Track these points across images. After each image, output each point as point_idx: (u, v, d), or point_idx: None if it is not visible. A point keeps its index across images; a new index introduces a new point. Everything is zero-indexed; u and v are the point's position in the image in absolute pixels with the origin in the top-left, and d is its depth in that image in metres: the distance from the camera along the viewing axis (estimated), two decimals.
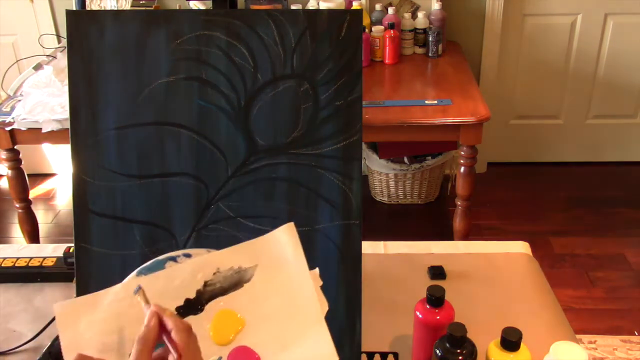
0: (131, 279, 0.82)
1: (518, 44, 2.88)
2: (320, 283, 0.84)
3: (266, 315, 0.81)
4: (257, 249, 0.83)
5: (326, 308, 0.83)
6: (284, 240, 0.83)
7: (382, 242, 1.27)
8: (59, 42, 2.74)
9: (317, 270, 0.85)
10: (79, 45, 0.90)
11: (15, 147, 2.20)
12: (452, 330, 0.81)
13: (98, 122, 0.90)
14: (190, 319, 0.79)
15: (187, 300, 0.80)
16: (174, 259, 0.84)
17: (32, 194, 2.73)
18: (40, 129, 2.07)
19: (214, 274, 0.81)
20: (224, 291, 0.81)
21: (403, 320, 1.02)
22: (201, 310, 0.80)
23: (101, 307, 0.78)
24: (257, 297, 0.81)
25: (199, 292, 0.80)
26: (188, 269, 0.81)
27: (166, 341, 0.69)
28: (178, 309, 0.80)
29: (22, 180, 2.30)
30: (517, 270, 1.19)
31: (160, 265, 0.83)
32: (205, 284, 0.80)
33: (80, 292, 0.90)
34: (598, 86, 2.97)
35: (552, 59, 2.91)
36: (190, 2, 2.54)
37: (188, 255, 0.85)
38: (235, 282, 0.81)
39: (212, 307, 0.80)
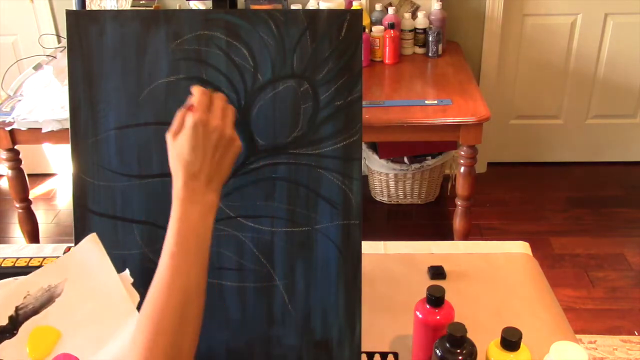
0: None
1: (518, 44, 2.88)
2: (131, 280, 0.88)
3: (80, 321, 0.84)
4: (64, 265, 0.87)
5: (137, 299, 0.86)
6: (88, 250, 0.87)
7: (382, 242, 1.26)
8: (59, 42, 2.74)
9: (127, 271, 0.88)
10: (79, 45, 0.90)
11: (15, 147, 2.20)
12: (452, 330, 0.81)
13: (98, 122, 0.90)
14: (7, 344, 0.82)
15: (1, 327, 0.83)
16: None
17: (32, 194, 2.73)
18: (40, 129, 2.07)
19: (25, 297, 0.84)
20: (36, 311, 0.84)
21: (403, 320, 1.02)
22: (16, 333, 0.83)
23: None
24: (70, 307, 0.85)
25: (11, 318, 0.83)
26: None
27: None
28: None
29: (22, 180, 2.30)
30: (517, 270, 1.19)
31: None
32: (17, 309, 0.84)
33: None
34: (598, 86, 2.97)
35: (552, 59, 2.91)
36: (190, 2, 2.54)
37: None
38: (46, 299, 0.85)
39: (27, 327, 0.83)
